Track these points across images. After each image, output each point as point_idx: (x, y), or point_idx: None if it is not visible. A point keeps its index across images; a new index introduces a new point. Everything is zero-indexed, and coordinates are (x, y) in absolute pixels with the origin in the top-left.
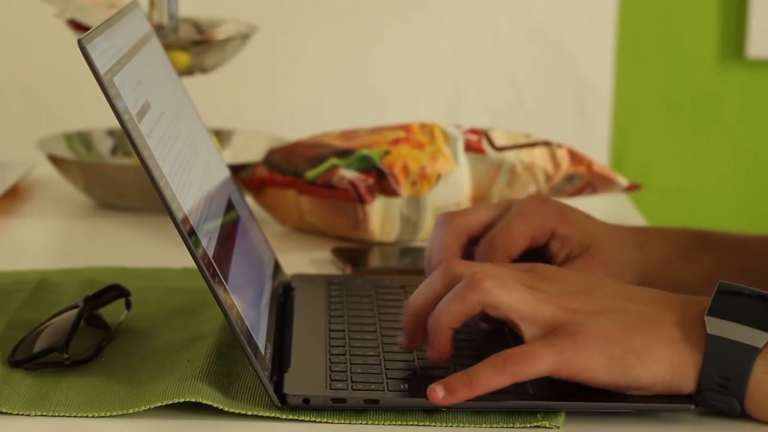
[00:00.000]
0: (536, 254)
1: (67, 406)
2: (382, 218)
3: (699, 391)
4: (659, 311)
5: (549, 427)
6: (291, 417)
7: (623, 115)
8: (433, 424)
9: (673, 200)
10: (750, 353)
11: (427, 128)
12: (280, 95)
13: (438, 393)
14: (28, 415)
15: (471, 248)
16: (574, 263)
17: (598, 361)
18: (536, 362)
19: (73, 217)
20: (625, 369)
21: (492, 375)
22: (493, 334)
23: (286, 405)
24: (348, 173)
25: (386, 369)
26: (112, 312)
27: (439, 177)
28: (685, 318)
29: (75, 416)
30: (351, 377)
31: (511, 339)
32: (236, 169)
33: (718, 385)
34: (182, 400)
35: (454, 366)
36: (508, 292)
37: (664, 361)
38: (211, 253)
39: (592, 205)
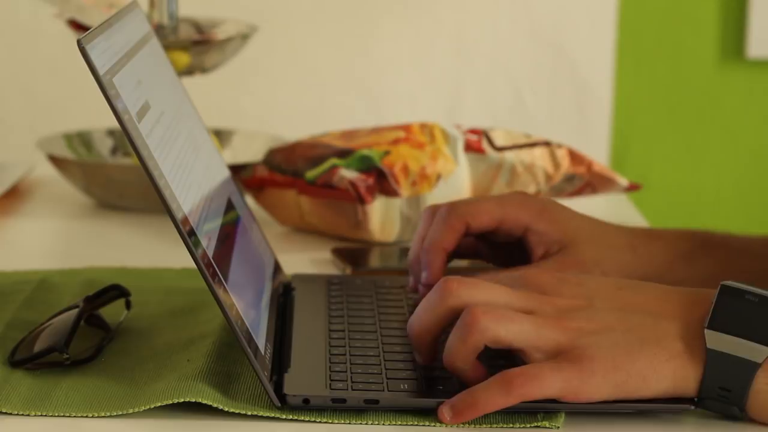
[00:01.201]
0: (517, 248)
1: (67, 406)
2: (382, 218)
3: (700, 399)
4: (661, 321)
5: (549, 427)
6: (291, 417)
7: (623, 115)
8: (433, 424)
9: (673, 200)
10: (750, 368)
11: (427, 128)
12: (280, 95)
13: (446, 415)
14: (28, 415)
15: (467, 239)
16: (549, 261)
17: (605, 389)
18: (543, 385)
19: (73, 217)
20: (629, 393)
21: (498, 397)
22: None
23: (285, 405)
24: (348, 173)
25: (386, 369)
26: (112, 312)
27: (439, 177)
28: (686, 328)
29: (75, 416)
30: (351, 377)
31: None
32: (236, 169)
33: (719, 396)
34: (182, 400)
35: None
36: (507, 324)
37: (667, 379)
38: (211, 253)
39: (592, 205)
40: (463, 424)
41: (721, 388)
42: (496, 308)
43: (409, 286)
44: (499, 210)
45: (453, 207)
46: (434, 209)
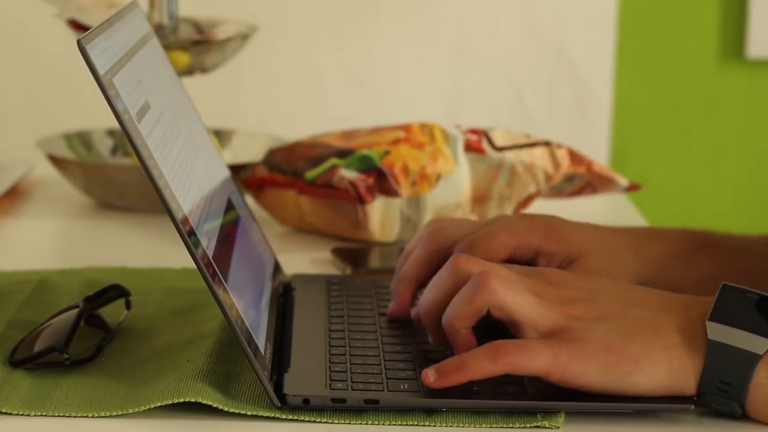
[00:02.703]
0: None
1: (67, 406)
2: (382, 218)
3: (700, 395)
4: (660, 316)
5: (549, 427)
6: (291, 417)
7: (623, 115)
8: (433, 424)
9: (673, 200)
10: (751, 359)
11: (427, 128)
12: (280, 95)
13: (430, 376)
14: (28, 415)
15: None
16: None
17: (593, 368)
18: (531, 357)
19: (73, 217)
20: (620, 375)
21: (485, 362)
22: (496, 327)
23: (285, 405)
24: (348, 173)
25: (386, 369)
26: (112, 312)
27: (439, 177)
28: (686, 322)
29: (75, 416)
30: (351, 377)
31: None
32: (236, 169)
33: (719, 390)
34: (182, 400)
35: None
36: (514, 294)
37: (663, 366)
38: (210, 253)
39: (592, 205)
40: (463, 423)
41: (721, 381)
42: (509, 278)
43: (389, 310)
44: (513, 240)
45: (472, 246)
46: (437, 227)
